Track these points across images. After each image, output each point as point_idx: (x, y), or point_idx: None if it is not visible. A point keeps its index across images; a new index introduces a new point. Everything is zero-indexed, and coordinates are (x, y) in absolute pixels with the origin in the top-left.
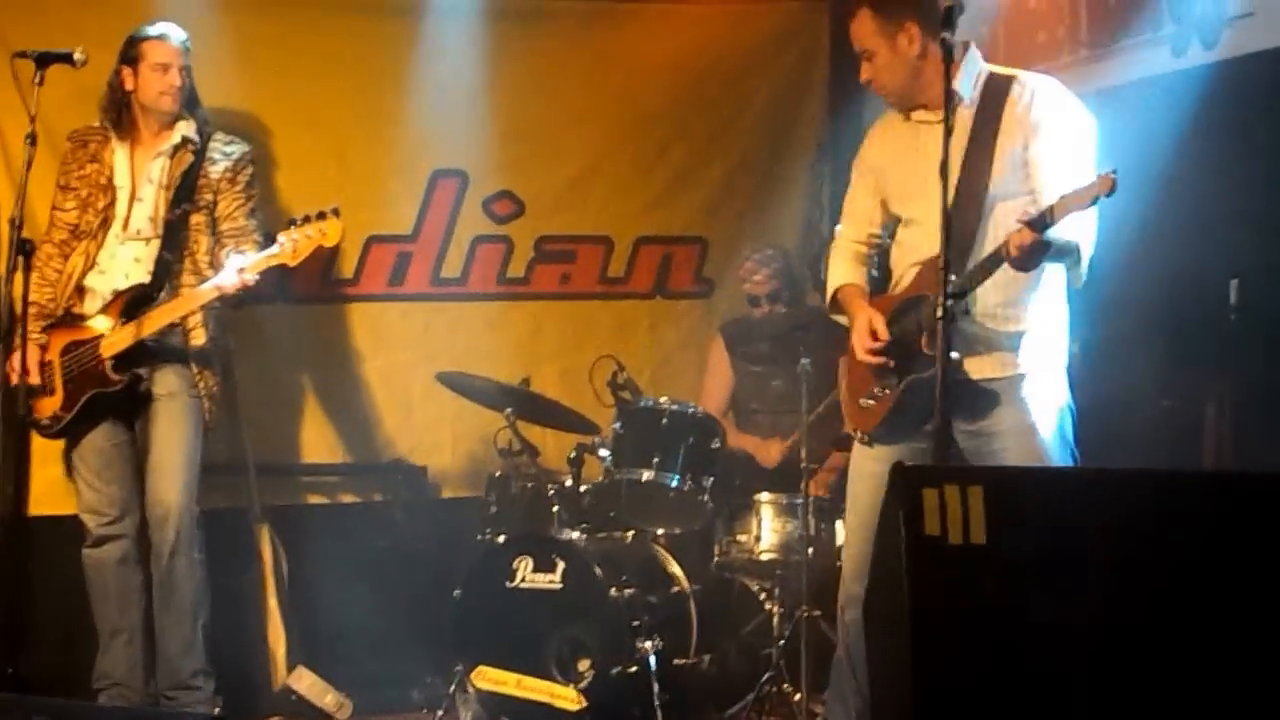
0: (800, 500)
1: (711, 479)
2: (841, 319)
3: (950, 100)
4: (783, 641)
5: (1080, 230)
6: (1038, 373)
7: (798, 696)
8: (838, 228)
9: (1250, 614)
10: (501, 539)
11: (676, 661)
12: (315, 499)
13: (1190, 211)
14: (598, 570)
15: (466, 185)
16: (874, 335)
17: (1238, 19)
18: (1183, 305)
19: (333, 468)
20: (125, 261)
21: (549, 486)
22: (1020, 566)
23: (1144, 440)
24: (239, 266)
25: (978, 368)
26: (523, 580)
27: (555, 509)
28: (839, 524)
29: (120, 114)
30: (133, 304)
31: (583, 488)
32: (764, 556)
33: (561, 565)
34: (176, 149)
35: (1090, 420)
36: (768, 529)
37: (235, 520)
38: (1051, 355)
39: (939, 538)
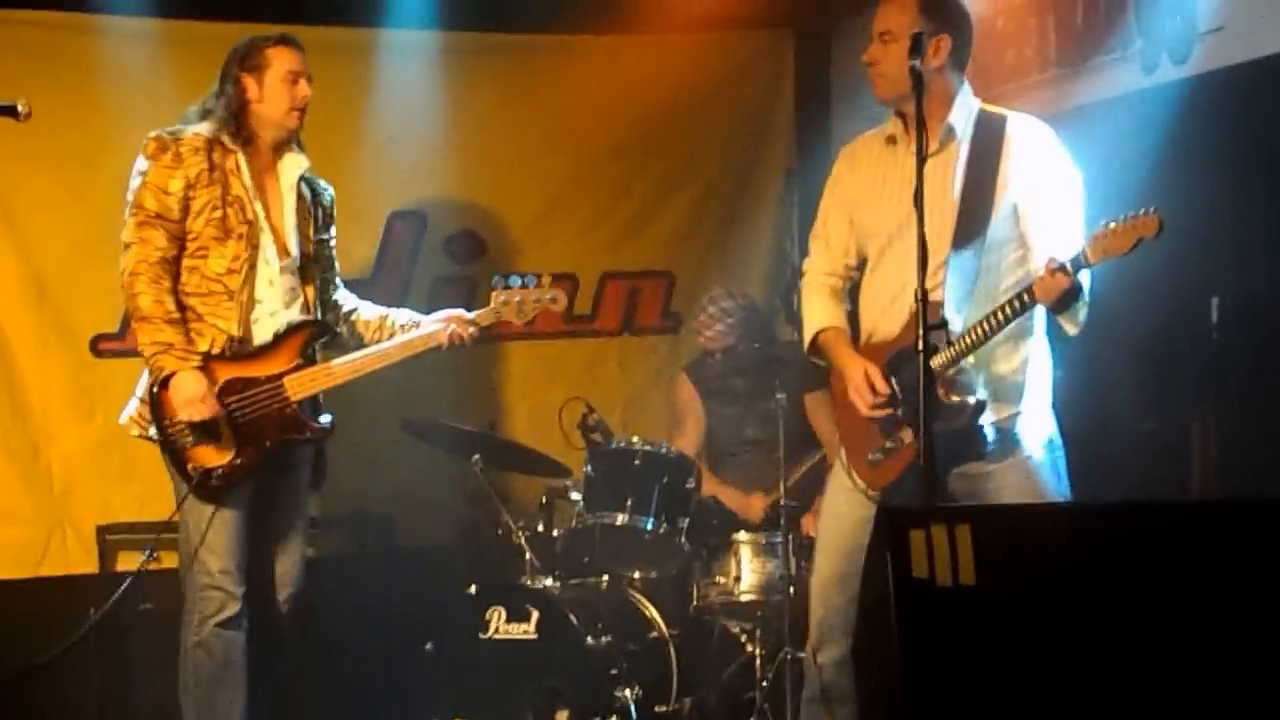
0: (780, 539)
1: (687, 520)
2: (822, 362)
3: (923, 127)
4: (765, 684)
5: (1085, 276)
6: (1030, 411)
7: None
8: (806, 260)
9: (1247, 645)
10: (473, 589)
11: (658, 709)
12: None
13: (1168, 230)
14: (573, 618)
15: (425, 226)
16: (873, 390)
17: (1208, 34)
18: (1164, 325)
19: None
20: (281, 291)
21: (520, 533)
22: (1012, 606)
23: (1130, 463)
24: (464, 318)
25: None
26: (496, 631)
27: (527, 556)
28: None
29: (239, 126)
30: (310, 341)
31: (555, 533)
32: (744, 598)
33: (535, 614)
34: (303, 174)
35: (1075, 444)
36: (747, 569)
37: None
38: (1041, 392)
39: (927, 580)
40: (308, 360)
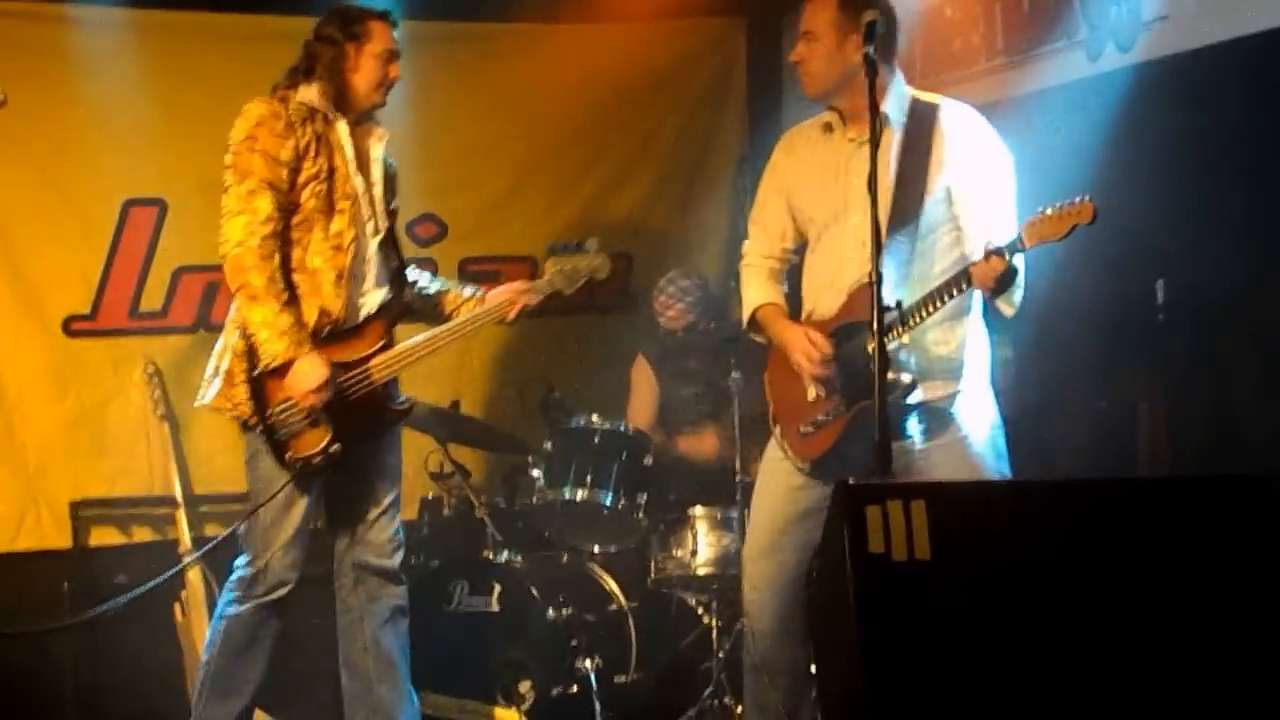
0: (735, 514)
1: (645, 495)
2: (761, 339)
3: (877, 116)
4: (722, 654)
5: (1020, 259)
6: (969, 390)
7: (740, 709)
8: (745, 243)
9: (1194, 616)
10: (436, 563)
11: (617, 679)
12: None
13: (1114, 214)
14: (534, 591)
15: None
16: (817, 349)
17: (1152, 22)
18: (1111, 307)
19: None
20: (376, 268)
21: (482, 508)
22: (966, 581)
23: (1079, 442)
24: (523, 289)
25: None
26: (460, 604)
27: (489, 531)
28: None
29: (339, 96)
30: (395, 321)
31: (516, 508)
32: (700, 571)
33: (498, 588)
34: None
35: (1026, 423)
36: (703, 543)
37: (166, 552)
38: (977, 373)
39: (883, 555)
40: (390, 340)
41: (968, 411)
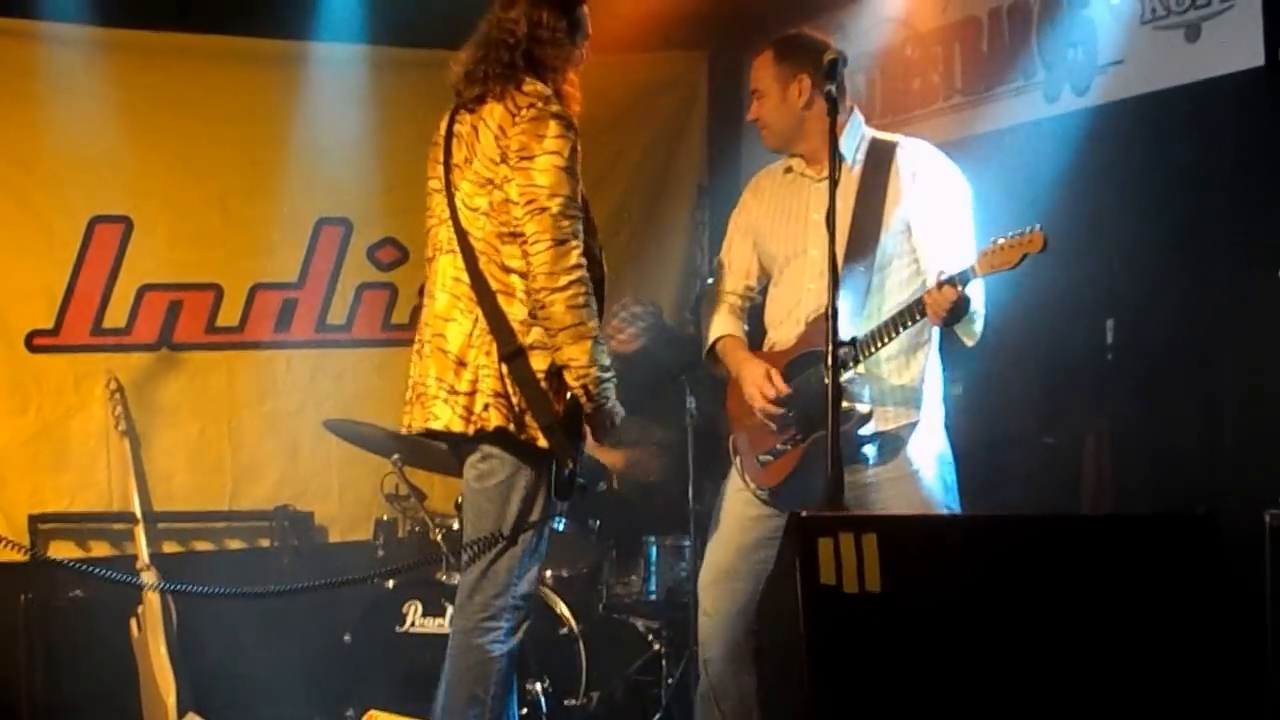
0: (688, 542)
1: (599, 521)
2: (719, 370)
3: (835, 152)
4: (670, 681)
5: (978, 289)
6: (925, 421)
7: None
8: (709, 280)
9: (1137, 650)
10: (391, 584)
11: (566, 702)
12: (202, 546)
13: (1067, 253)
14: None
15: (351, 232)
16: (772, 385)
17: (1108, 66)
18: (1061, 345)
19: (219, 514)
20: None
21: (436, 530)
22: (916, 612)
23: (1026, 476)
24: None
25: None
26: (413, 625)
27: (444, 553)
28: None
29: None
30: None
31: None
32: (652, 597)
33: (450, 609)
34: None
35: (975, 457)
36: (655, 570)
37: (124, 568)
38: (932, 405)
39: (834, 586)
40: None
41: (921, 443)
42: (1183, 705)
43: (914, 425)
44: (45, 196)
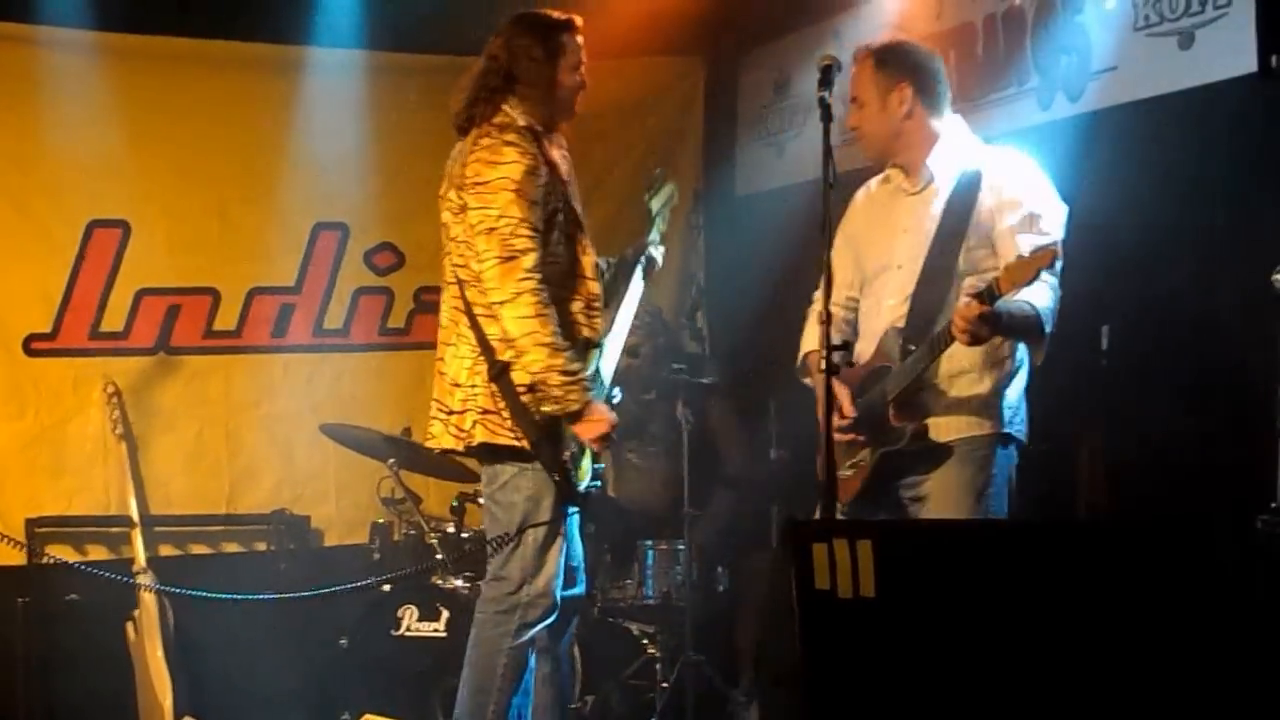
0: (683, 546)
1: (594, 525)
2: (809, 382)
3: (829, 157)
4: (665, 685)
5: (1040, 298)
6: (991, 436)
7: None
8: (816, 293)
9: (1136, 653)
10: (386, 588)
11: None
12: (199, 549)
13: (1062, 260)
14: None
15: (348, 237)
16: (840, 413)
17: (1102, 73)
18: (1056, 352)
19: (216, 518)
20: None
21: (432, 534)
22: (910, 618)
23: (1022, 482)
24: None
25: (935, 430)
26: (408, 629)
27: (438, 557)
28: (720, 570)
29: (550, 112)
30: None
31: (465, 535)
32: (647, 602)
33: (445, 613)
34: None
35: None
36: (651, 574)
37: (120, 572)
38: (1004, 420)
39: (829, 591)
40: None
41: (985, 458)
42: (1181, 709)
43: (990, 436)
44: (43, 201)
